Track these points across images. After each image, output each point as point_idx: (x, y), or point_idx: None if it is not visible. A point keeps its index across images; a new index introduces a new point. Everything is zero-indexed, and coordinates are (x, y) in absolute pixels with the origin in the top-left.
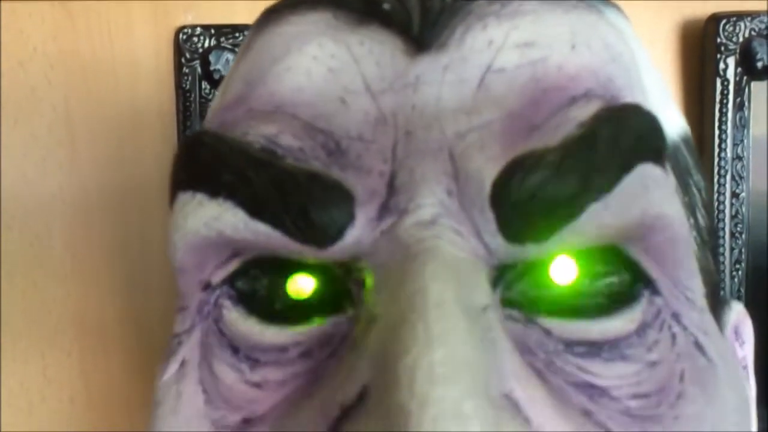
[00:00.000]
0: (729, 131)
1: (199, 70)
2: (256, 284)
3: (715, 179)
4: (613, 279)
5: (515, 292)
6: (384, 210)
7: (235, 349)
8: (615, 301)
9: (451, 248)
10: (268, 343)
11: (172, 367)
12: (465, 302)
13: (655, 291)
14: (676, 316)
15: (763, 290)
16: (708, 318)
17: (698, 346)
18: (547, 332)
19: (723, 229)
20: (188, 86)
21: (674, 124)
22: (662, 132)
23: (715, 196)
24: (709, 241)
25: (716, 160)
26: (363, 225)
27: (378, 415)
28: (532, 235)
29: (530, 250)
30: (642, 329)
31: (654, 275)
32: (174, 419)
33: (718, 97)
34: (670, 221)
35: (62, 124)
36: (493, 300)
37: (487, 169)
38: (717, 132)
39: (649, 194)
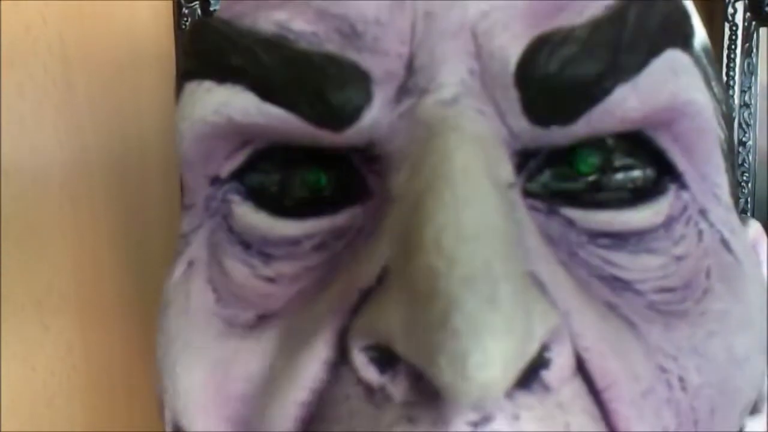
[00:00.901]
0: (737, 78)
1: (198, 11)
2: (267, 180)
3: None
4: (640, 172)
5: (538, 183)
6: (402, 91)
7: (246, 245)
8: (641, 195)
9: (474, 126)
10: (280, 236)
11: (180, 268)
12: (492, 174)
13: (682, 185)
14: (702, 212)
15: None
16: (734, 216)
17: (724, 242)
18: (571, 223)
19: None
20: (187, 28)
21: (697, 32)
22: (690, 19)
23: None
24: (729, 154)
25: None
26: (381, 106)
27: (401, 285)
28: (557, 116)
29: (555, 134)
30: (668, 223)
31: (681, 167)
32: (184, 319)
33: (726, 43)
34: (699, 108)
35: (58, 65)
36: (516, 182)
37: (512, 47)
38: (724, 79)
39: (679, 79)
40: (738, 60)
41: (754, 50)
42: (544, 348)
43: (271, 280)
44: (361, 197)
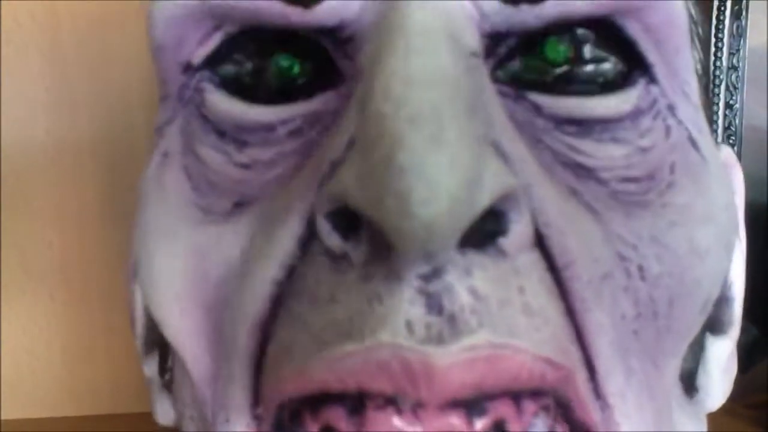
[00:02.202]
0: (725, 40)
1: None
2: (240, 70)
3: (709, 89)
4: (610, 65)
5: (506, 72)
6: None
7: (220, 133)
8: (610, 87)
9: (442, 1)
10: (255, 122)
11: (155, 160)
12: (452, 36)
13: (652, 79)
14: (671, 108)
15: (754, 203)
16: (702, 117)
17: (692, 140)
18: (537, 109)
19: (715, 141)
20: None
21: None
22: None
23: None
24: (703, 76)
25: (711, 69)
26: None
27: (357, 140)
28: None
29: (525, 14)
30: (636, 114)
31: (651, 59)
32: (160, 208)
33: (715, 4)
34: None
35: (46, 9)
36: (482, 55)
37: None
38: (713, 40)
39: None
40: (727, 22)
41: (743, 12)
42: (501, 215)
43: (246, 166)
44: (335, 82)
